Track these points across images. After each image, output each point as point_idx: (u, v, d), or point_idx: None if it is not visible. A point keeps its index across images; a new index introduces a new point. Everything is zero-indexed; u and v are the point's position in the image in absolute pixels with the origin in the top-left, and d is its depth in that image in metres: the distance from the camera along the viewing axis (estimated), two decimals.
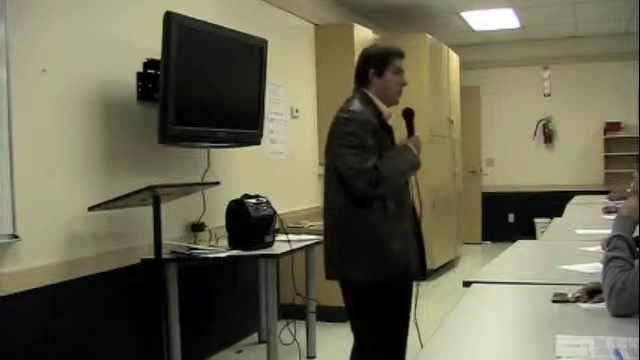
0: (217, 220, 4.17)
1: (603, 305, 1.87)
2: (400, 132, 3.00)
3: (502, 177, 9.57)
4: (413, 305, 2.98)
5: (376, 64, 2.90)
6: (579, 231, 3.84)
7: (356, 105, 2.85)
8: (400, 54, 2.96)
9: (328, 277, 2.94)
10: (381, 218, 2.80)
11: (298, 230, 4.79)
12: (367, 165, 2.73)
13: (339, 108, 2.91)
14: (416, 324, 2.97)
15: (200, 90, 3.81)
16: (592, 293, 1.99)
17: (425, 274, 3.06)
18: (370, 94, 2.90)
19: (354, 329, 2.97)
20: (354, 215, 2.83)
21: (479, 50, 9.30)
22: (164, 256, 3.43)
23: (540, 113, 9.40)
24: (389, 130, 2.92)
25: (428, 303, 5.54)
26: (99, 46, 3.52)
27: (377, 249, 2.80)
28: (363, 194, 2.77)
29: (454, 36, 8.34)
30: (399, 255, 2.83)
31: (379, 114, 2.87)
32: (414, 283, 3.05)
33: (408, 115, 2.98)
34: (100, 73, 3.53)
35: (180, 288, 3.89)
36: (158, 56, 3.55)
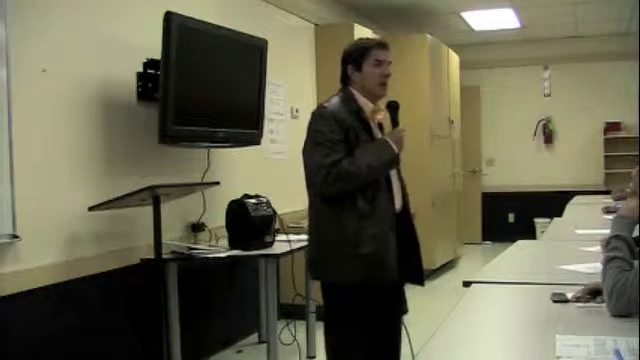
0: (217, 220, 4.17)
1: (603, 305, 1.86)
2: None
3: (502, 177, 9.56)
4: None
5: (354, 59, 2.84)
6: (579, 231, 3.83)
7: (332, 101, 2.82)
8: (379, 45, 2.85)
9: (311, 277, 2.94)
10: (350, 218, 2.71)
11: (298, 230, 4.78)
12: (326, 160, 2.65)
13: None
14: (408, 336, 2.91)
15: (200, 90, 3.81)
16: (592, 293, 1.99)
17: (421, 280, 2.97)
18: (353, 90, 2.85)
19: (326, 332, 2.88)
20: (325, 214, 2.78)
21: (479, 50, 9.29)
22: (164, 256, 3.44)
23: (540, 113, 9.40)
24: (368, 126, 2.82)
25: (428, 303, 5.55)
26: (99, 46, 3.52)
27: (346, 250, 2.72)
28: (321, 190, 2.72)
29: (454, 36, 8.33)
30: (370, 258, 2.71)
31: (360, 110, 2.81)
32: (406, 288, 2.98)
33: (392, 107, 2.91)
34: (100, 73, 3.53)
35: (180, 288, 3.89)
36: (158, 56, 3.55)
